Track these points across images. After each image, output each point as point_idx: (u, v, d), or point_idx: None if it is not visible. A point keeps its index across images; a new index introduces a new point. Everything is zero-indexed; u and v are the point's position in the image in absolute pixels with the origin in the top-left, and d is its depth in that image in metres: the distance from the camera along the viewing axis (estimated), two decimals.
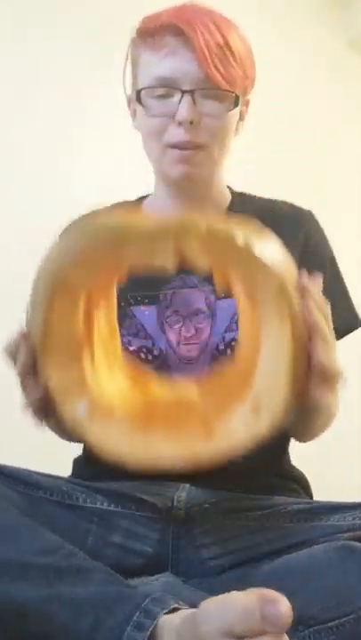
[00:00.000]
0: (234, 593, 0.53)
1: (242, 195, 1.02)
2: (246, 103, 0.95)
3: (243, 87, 0.89)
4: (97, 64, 1.81)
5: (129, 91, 0.94)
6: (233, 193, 1.01)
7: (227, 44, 0.85)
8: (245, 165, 1.00)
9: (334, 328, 0.93)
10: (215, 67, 0.84)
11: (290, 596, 0.58)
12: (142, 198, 1.03)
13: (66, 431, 0.69)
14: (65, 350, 0.64)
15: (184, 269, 0.65)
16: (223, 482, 0.80)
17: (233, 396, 0.64)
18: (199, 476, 0.82)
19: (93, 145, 1.84)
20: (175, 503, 0.79)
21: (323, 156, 2.18)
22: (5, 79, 1.78)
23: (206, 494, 0.80)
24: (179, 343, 0.87)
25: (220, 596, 0.54)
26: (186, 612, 0.58)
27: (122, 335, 0.87)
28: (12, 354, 0.66)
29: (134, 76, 0.92)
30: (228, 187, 1.01)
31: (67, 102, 1.84)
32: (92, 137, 1.85)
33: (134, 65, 0.92)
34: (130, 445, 0.63)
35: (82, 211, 1.00)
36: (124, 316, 0.89)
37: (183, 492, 0.81)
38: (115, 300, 0.73)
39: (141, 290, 0.91)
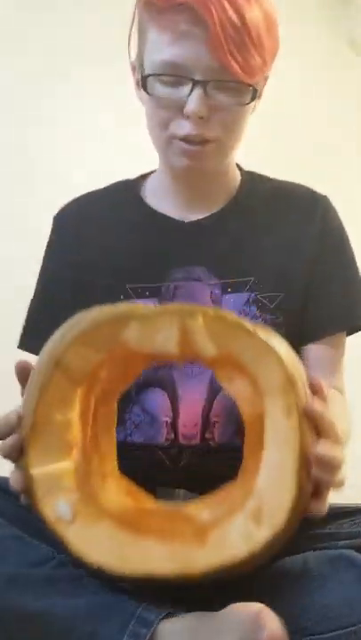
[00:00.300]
0: (250, 604, 0.55)
1: (251, 174, 0.96)
2: (265, 79, 0.86)
3: (262, 74, 0.80)
4: (98, 61, 1.81)
5: (133, 57, 0.85)
6: (242, 172, 0.95)
7: (245, 25, 0.74)
8: (244, 162, 0.98)
9: (350, 327, 0.89)
10: (232, 55, 0.74)
11: (286, 607, 0.58)
12: (144, 176, 0.97)
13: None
14: (54, 443, 0.59)
15: (188, 353, 0.60)
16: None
17: (234, 505, 0.59)
18: (195, 481, 0.80)
19: (93, 145, 1.83)
20: None
21: (322, 157, 2.16)
22: (5, 79, 1.78)
23: None
24: None
25: (238, 606, 0.55)
26: (193, 616, 0.58)
27: None
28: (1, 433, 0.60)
29: (140, 48, 0.82)
30: (236, 164, 0.95)
31: (67, 102, 1.83)
32: (92, 136, 1.84)
33: (141, 34, 0.82)
34: (115, 551, 0.57)
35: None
36: None
37: None
38: (115, 410, 0.67)
39: (142, 281, 0.86)
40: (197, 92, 0.76)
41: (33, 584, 0.59)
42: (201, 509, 0.63)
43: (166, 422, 0.83)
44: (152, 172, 0.96)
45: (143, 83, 0.80)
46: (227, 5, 0.73)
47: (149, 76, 0.79)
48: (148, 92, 0.79)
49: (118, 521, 0.59)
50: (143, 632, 0.56)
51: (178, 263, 0.85)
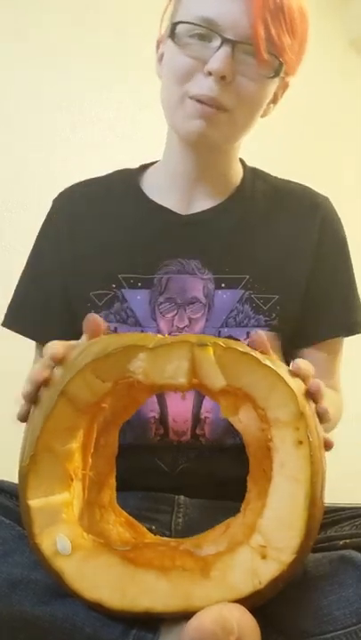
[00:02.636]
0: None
1: (254, 171, 0.94)
2: (284, 86, 0.86)
3: (289, 59, 0.80)
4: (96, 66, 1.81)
5: (163, 30, 0.84)
6: (245, 168, 0.93)
7: (283, 4, 0.76)
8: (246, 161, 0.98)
9: (347, 333, 0.89)
10: (267, 25, 0.75)
11: (286, 609, 0.58)
12: (145, 167, 0.95)
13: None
14: (55, 473, 0.58)
15: (196, 384, 0.59)
16: (221, 492, 0.77)
17: (238, 539, 0.58)
18: (195, 487, 0.80)
19: (94, 148, 1.83)
20: (173, 533, 0.76)
21: (323, 157, 2.17)
22: (6, 79, 1.78)
23: (203, 516, 0.76)
24: (170, 333, 0.81)
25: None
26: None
27: (109, 321, 0.82)
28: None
29: (174, 12, 0.81)
30: (240, 160, 0.93)
31: (67, 105, 1.83)
32: (92, 141, 1.84)
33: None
34: (114, 586, 0.56)
35: None
36: (112, 298, 0.84)
37: (180, 518, 0.78)
38: (116, 440, 0.66)
39: (135, 272, 0.84)
40: (225, 49, 0.74)
41: (34, 587, 0.58)
42: (201, 544, 0.61)
43: (154, 417, 0.82)
44: (153, 164, 0.95)
45: (172, 29, 0.78)
46: None
47: (180, 22, 0.77)
48: (174, 40, 0.78)
49: (118, 555, 0.58)
50: (149, 637, 0.55)
51: (172, 255, 0.84)
